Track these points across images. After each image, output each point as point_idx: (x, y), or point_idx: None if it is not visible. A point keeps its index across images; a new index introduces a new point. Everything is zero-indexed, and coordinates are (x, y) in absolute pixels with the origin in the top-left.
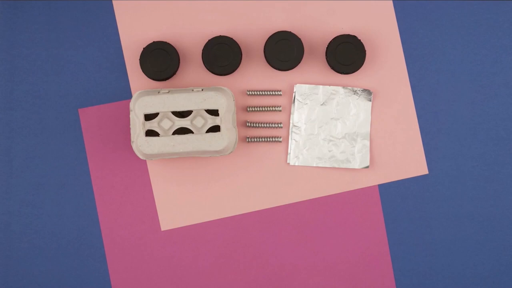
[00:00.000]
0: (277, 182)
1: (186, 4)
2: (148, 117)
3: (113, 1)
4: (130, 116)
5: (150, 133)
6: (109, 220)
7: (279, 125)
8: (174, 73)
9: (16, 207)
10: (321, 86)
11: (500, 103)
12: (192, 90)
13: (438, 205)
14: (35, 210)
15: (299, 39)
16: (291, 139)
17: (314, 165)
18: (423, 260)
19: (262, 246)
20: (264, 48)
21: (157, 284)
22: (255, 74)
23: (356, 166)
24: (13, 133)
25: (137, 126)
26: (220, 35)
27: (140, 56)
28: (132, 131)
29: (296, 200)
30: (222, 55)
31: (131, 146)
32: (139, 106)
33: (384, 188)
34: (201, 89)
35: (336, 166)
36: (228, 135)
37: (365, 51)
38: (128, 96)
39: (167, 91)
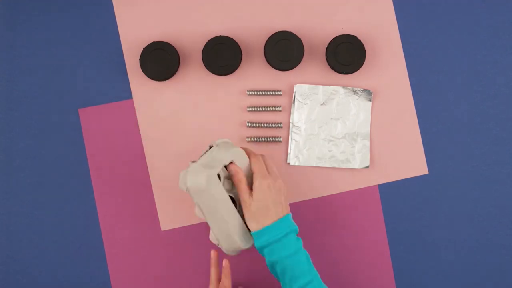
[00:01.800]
0: None
1: (186, 4)
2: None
3: (113, 1)
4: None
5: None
6: (109, 220)
7: (279, 125)
8: (174, 73)
9: (16, 207)
10: (321, 86)
11: (500, 103)
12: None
13: (438, 205)
14: (35, 210)
15: (299, 39)
16: (291, 139)
17: (314, 165)
18: (423, 260)
19: None
20: (264, 48)
21: (157, 284)
22: (255, 74)
23: (356, 166)
24: (13, 133)
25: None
26: (220, 35)
27: (140, 56)
28: (208, 162)
29: (296, 200)
30: (222, 55)
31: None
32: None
33: (384, 188)
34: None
35: (336, 166)
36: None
37: (365, 51)
38: (128, 96)
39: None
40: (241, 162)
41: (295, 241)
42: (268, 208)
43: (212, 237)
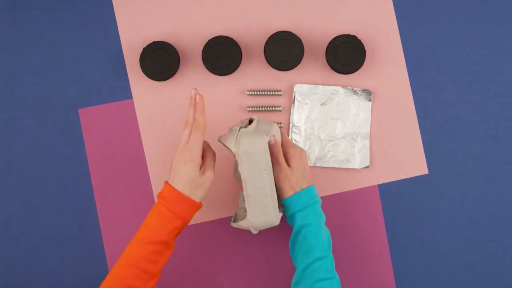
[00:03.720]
0: None
1: (186, 4)
2: None
3: (113, 1)
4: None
5: None
6: (109, 220)
7: (279, 125)
8: (174, 73)
9: (16, 207)
10: (321, 86)
11: (500, 103)
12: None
13: (438, 205)
14: (35, 210)
15: (299, 39)
16: (291, 139)
17: (314, 165)
18: (423, 260)
19: (262, 245)
20: (264, 48)
21: (156, 284)
22: (255, 74)
23: (356, 166)
24: (13, 133)
25: None
26: (220, 35)
27: (140, 56)
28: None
29: None
30: (222, 55)
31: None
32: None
33: (384, 188)
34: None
35: (336, 166)
36: None
37: (365, 51)
38: (128, 96)
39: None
40: (277, 136)
41: (321, 212)
42: (304, 175)
43: (233, 223)
